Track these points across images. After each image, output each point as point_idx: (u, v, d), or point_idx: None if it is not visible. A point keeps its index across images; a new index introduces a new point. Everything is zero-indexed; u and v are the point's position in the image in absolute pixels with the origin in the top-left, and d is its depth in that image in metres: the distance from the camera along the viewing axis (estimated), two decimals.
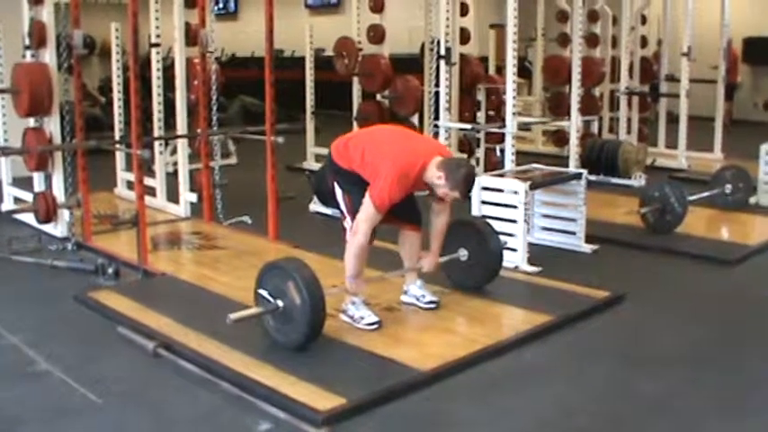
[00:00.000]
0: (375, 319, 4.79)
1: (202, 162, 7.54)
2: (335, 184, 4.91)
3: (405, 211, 4.97)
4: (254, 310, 4.51)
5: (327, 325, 4.75)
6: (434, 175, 4.63)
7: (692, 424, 3.87)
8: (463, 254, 5.31)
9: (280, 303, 4.40)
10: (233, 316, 4.36)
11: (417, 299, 5.15)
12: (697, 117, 11.05)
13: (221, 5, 20.26)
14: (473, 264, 5.34)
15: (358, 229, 4.65)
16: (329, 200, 4.92)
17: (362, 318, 4.79)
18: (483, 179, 6.37)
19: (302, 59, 10.64)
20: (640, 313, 5.27)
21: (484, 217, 6.17)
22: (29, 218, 7.17)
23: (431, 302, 5.13)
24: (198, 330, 4.68)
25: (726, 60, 11.38)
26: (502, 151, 8.30)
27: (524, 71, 12.08)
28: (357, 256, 4.70)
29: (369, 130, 5.43)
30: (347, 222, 4.86)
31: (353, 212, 4.75)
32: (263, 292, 4.47)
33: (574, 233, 6.63)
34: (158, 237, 6.96)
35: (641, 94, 11.32)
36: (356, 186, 4.73)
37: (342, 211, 4.92)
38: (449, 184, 4.61)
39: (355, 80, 9.68)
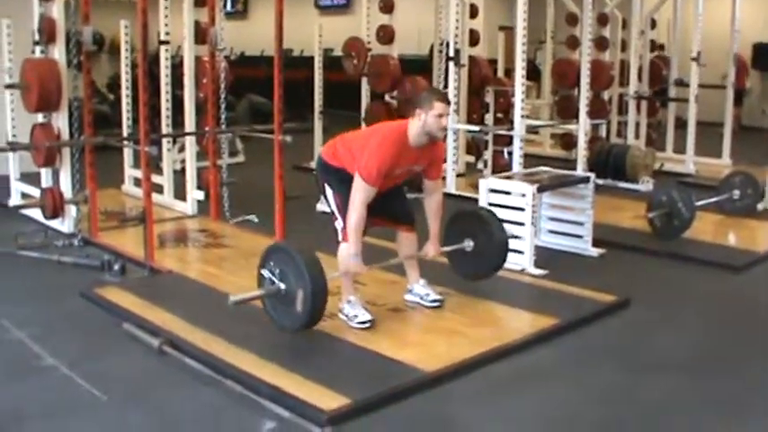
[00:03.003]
0: (368, 317, 4.79)
1: (210, 160, 7.54)
2: (326, 185, 4.92)
3: (397, 211, 5.03)
4: (255, 293, 4.55)
5: (332, 325, 4.77)
6: (417, 120, 4.69)
7: (696, 429, 3.87)
8: (469, 244, 5.28)
9: (282, 286, 4.42)
10: (233, 298, 4.41)
11: (421, 297, 5.15)
12: (705, 123, 11.04)
13: (230, 5, 20.26)
14: (479, 254, 5.29)
15: (353, 206, 4.65)
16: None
17: (356, 316, 4.80)
18: (491, 181, 6.37)
19: (311, 59, 10.64)
20: (646, 317, 5.26)
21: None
22: (36, 213, 7.18)
23: (435, 301, 5.12)
24: (203, 328, 4.69)
25: (735, 66, 11.36)
26: (510, 154, 8.30)
27: (533, 74, 12.06)
28: (355, 232, 4.67)
29: (359, 130, 5.47)
30: (338, 223, 4.86)
31: (344, 211, 4.76)
32: (266, 273, 4.48)
33: (581, 237, 6.62)
34: (165, 234, 6.96)
35: (650, 98, 11.30)
36: (345, 185, 4.73)
37: (333, 211, 4.91)
38: (426, 105, 4.67)
39: (364, 80, 9.68)
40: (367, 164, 4.64)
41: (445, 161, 5.46)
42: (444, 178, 8.63)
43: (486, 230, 5.28)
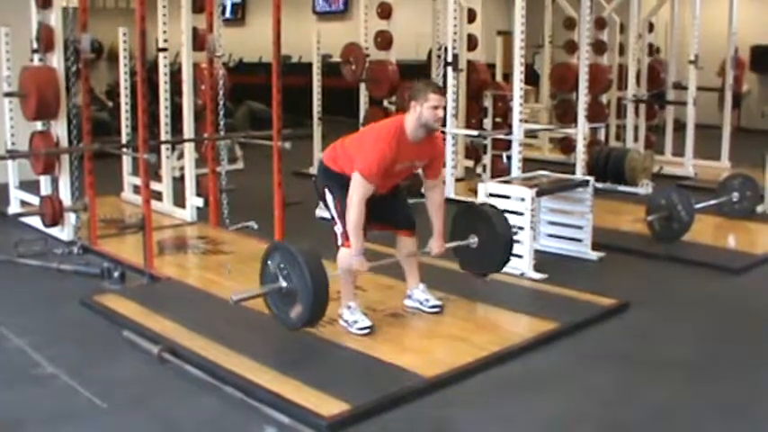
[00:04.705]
0: (367, 323, 4.78)
1: (209, 167, 7.54)
2: (326, 189, 4.88)
3: (397, 215, 5.02)
4: (257, 290, 4.54)
5: (332, 331, 4.78)
6: (413, 113, 4.67)
7: (697, 430, 3.86)
8: (473, 240, 5.18)
9: (283, 284, 4.40)
10: (235, 296, 4.42)
11: (421, 303, 5.14)
12: (701, 125, 11.03)
13: (229, 12, 20.23)
14: (484, 250, 5.19)
15: (351, 203, 4.62)
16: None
17: (356, 322, 4.79)
18: (490, 186, 6.37)
19: (309, 65, 10.65)
20: (646, 320, 5.26)
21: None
22: (35, 221, 7.17)
23: (434, 306, 5.12)
24: (203, 335, 4.69)
25: (734, 68, 11.37)
26: (509, 158, 8.29)
27: (532, 78, 12.07)
28: (355, 230, 4.63)
29: (358, 132, 5.46)
30: (338, 228, 4.83)
31: (343, 217, 4.74)
32: (271, 267, 4.47)
33: (580, 240, 6.62)
34: (164, 241, 6.96)
35: (648, 101, 11.30)
36: (345, 189, 4.69)
37: (333, 216, 4.88)
38: (421, 98, 4.64)
39: (362, 86, 9.69)
40: (365, 160, 4.62)
41: (445, 165, 5.47)
42: (444, 183, 8.64)
43: (490, 227, 5.17)
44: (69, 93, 6.89)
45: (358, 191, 4.61)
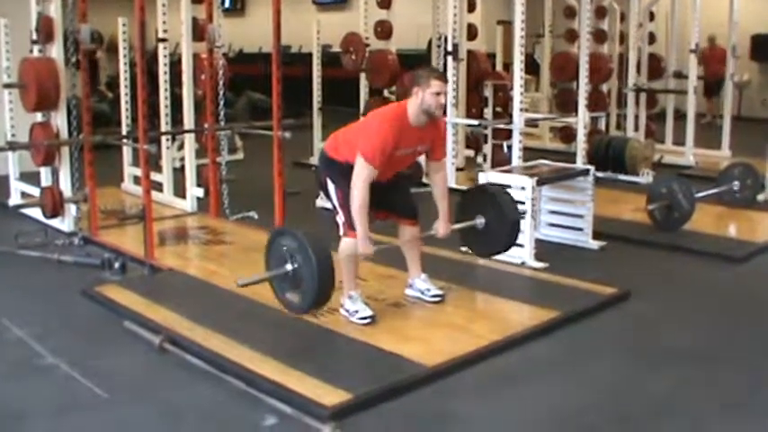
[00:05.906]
0: (369, 313, 4.78)
1: (209, 157, 7.54)
2: (328, 179, 4.85)
3: (401, 204, 5.01)
4: (262, 274, 4.54)
5: (333, 320, 4.77)
6: (415, 99, 4.66)
7: (698, 421, 3.86)
8: (480, 221, 5.14)
9: (288, 267, 4.41)
10: (240, 281, 4.43)
11: (422, 292, 5.14)
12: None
13: (228, 2, 20.18)
14: (490, 231, 5.14)
15: (355, 186, 4.60)
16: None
17: (357, 311, 4.78)
18: (490, 175, 6.36)
19: (309, 55, 10.63)
20: (647, 310, 5.26)
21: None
22: (36, 212, 7.17)
23: (436, 296, 5.12)
24: (204, 325, 4.69)
25: (734, 56, 11.36)
26: (509, 147, 8.29)
27: (532, 67, 12.05)
28: (359, 213, 4.60)
29: (359, 121, 5.43)
30: (339, 218, 4.82)
31: (345, 207, 4.72)
32: (279, 250, 4.47)
33: (581, 229, 6.62)
34: (165, 232, 6.95)
35: (649, 90, 11.29)
36: (347, 179, 4.67)
37: (334, 206, 4.86)
38: (423, 84, 4.64)
39: (362, 76, 9.68)
40: (368, 143, 4.60)
41: (446, 155, 5.45)
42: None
43: (497, 208, 5.13)
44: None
45: (361, 174, 4.58)
